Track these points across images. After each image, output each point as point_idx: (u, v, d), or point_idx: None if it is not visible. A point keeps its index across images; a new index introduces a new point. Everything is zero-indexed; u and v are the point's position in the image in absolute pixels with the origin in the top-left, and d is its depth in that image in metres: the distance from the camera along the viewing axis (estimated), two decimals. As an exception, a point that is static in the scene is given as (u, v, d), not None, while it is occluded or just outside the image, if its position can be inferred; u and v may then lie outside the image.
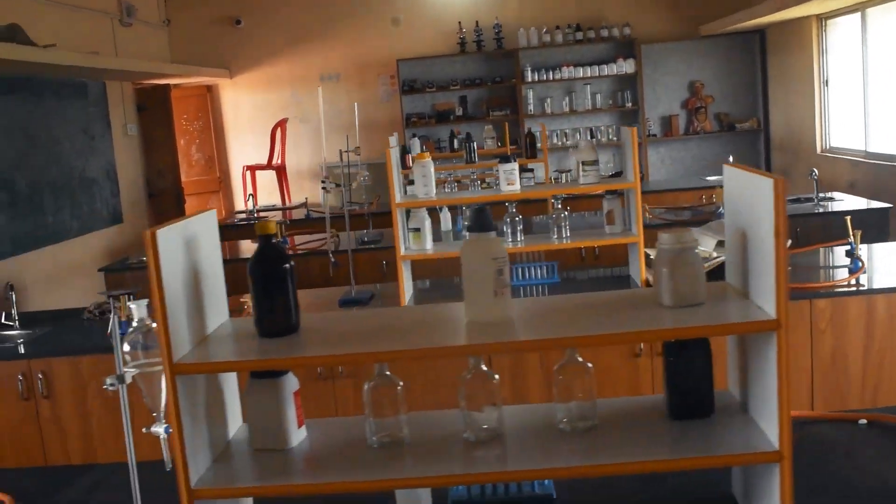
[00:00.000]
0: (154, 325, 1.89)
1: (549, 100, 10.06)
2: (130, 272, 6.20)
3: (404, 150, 6.35)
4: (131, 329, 1.91)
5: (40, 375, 3.94)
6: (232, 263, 6.07)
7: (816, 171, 6.42)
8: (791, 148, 9.28)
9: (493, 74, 10.09)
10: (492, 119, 10.05)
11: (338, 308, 4.33)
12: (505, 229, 4.27)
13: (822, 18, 8.24)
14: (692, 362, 1.88)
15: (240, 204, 10.27)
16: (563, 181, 7.47)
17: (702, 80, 10.04)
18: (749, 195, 1.83)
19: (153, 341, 1.88)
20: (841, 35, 8.03)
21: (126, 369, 1.91)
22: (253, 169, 9.98)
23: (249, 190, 9.29)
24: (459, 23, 9.92)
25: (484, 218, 1.81)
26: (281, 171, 9.96)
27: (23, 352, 4.06)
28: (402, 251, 4.14)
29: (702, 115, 10.04)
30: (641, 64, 9.87)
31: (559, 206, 4.22)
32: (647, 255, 4.16)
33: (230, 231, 8.15)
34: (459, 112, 10.14)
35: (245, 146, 10.34)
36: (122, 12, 8.43)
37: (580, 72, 9.90)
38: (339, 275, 5.48)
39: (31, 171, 6.71)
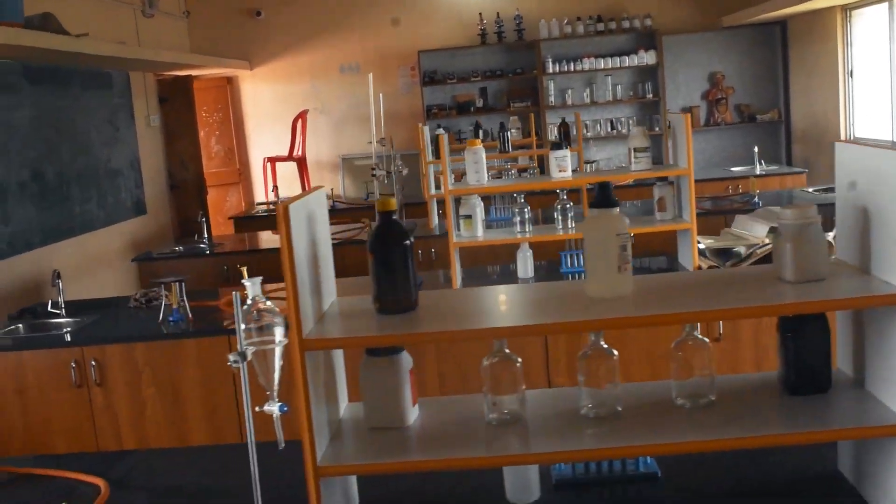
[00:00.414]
0: (267, 303, 1.89)
1: (570, 91, 10.04)
2: (164, 261, 6.19)
3: (436, 138, 6.32)
4: (245, 307, 1.90)
5: (94, 363, 3.93)
6: (257, 253, 6.07)
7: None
8: (813, 139, 9.27)
9: (513, 66, 10.07)
10: (513, 110, 10.03)
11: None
12: (556, 216, 4.26)
13: (847, 9, 8.22)
14: (811, 337, 1.88)
15: (260, 196, 10.24)
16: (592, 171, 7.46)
17: (722, 71, 10.02)
18: (870, 171, 1.82)
19: (267, 320, 1.87)
20: (866, 25, 8.01)
21: (245, 346, 1.89)
22: (274, 161, 9.96)
23: (271, 182, 9.27)
24: (480, 14, 9.89)
25: (607, 194, 1.80)
26: (302, 163, 9.94)
27: (74, 339, 4.04)
28: (454, 238, 4.12)
29: (722, 106, 10.02)
30: (663, 55, 9.85)
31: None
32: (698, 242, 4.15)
33: (252, 222, 8.14)
34: (480, 103, 10.11)
35: (264, 138, 10.31)
36: (144, 3, 8.40)
37: (601, 63, 9.87)
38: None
39: (59, 162, 6.69)
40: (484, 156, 4.19)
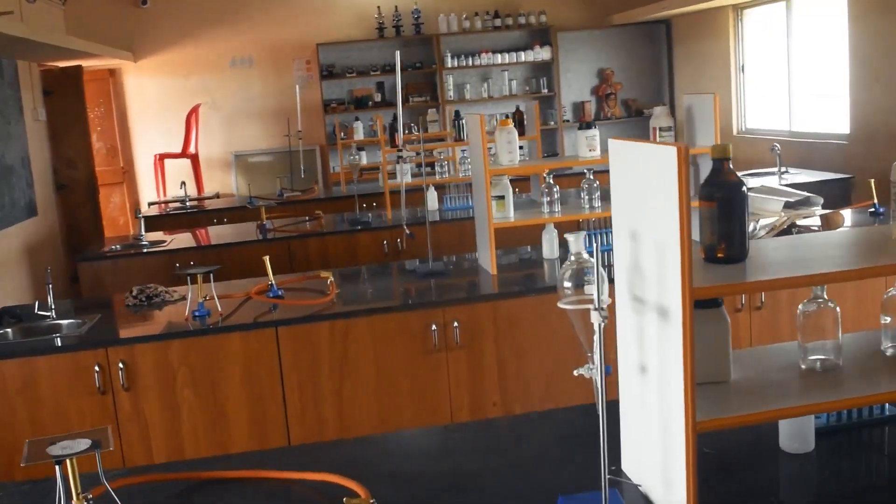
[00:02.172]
0: (592, 260, 1.78)
1: (467, 86, 10.10)
2: (108, 261, 5.70)
3: (393, 130, 6.20)
4: (568, 263, 1.78)
5: (121, 365, 3.55)
6: (209, 249, 5.71)
7: (778, 146, 6.85)
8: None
9: (412, 60, 10.02)
10: (411, 105, 9.98)
11: (416, 279, 4.17)
12: (583, 195, 4.27)
13: (739, 8, 8.77)
14: None
15: (150, 195, 9.62)
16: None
17: (611, 67, 10.42)
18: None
19: (590, 277, 1.76)
20: (757, 22, 8.59)
21: (562, 305, 1.77)
22: (163, 157, 9.40)
23: (175, 179, 8.73)
24: (378, 7, 9.77)
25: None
26: (195, 160, 9.44)
27: (98, 340, 3.63)
28: (493, 219, 4.04)
29: (612, 100, 10.42)
30: (558, 51, 10.11)
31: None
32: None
33: (165, 221, 7.64)
34: (378, 98, 9.99)
35: (151, 134, 9.70)
36: (26, -14, 7.68)
37: (498, 58, 10.01)
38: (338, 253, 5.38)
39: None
40: (517, 136, 4.15)
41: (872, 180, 4.72)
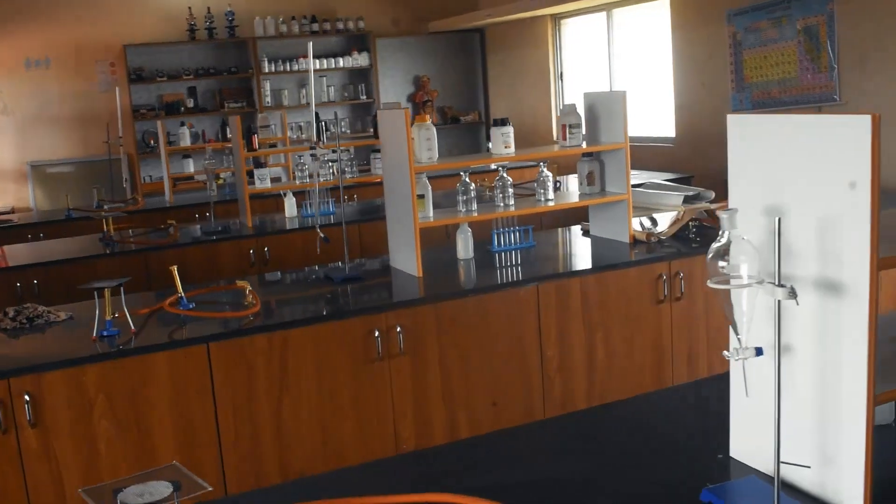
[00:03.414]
0: (744, 237, 1.71)
1: (285, 91, 9.77)
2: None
3: (250, 132, 5.85)
4: (719, 242, 1.70)
5: (27, 397, 3.05)
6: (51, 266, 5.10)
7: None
8: (524, 138, 10.09)
9: (226, 64, 9.53)
10: (227, 111, 9.50)
11: (333, 285, 3.93)
12: (497, 193, 4.22)
13: (557, 18, 9.12)
14: None
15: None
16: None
17: (427, 74, 10.48)
18: None
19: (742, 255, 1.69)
20: (574, 32, 8.98)
21: (713, 284, 1.69)
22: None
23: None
24: (190, 8, 9.22)
25: None
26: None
27: (-5, 371, 3.09)
28: (418, 220, 3.88)
29: (428, 107, 10.48)
30: (376, 57, 10.03)
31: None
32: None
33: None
34: (190, 104, 9.42)
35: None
36: None
37: (316, 63, 9.76)
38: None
39: None
40: (435, 132, 4.02)
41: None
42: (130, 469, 3.21)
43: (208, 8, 9.29)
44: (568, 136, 4.27)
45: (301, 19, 9.70)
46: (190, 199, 7.52)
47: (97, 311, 3.33)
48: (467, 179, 4.15)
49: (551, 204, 4.28)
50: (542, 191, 4.30)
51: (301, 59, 9.69)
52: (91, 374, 3.14)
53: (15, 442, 3.06)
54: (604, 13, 8.37)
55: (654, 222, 4.48)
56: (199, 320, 3.49)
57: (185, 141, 7.75)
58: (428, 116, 4.08)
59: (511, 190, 4.22)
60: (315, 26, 9.74)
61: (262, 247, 5.57)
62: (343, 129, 10.03)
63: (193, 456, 3.30)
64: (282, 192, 6.12)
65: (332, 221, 5.90)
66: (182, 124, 7.95)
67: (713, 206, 4.50)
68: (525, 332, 3.80)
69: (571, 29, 9.05)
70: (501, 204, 4.21)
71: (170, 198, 7.53)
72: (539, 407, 3.85)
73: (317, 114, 6.69)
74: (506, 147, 4.16)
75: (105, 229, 5.68)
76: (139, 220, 6.51)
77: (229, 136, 8.74)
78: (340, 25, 9.86)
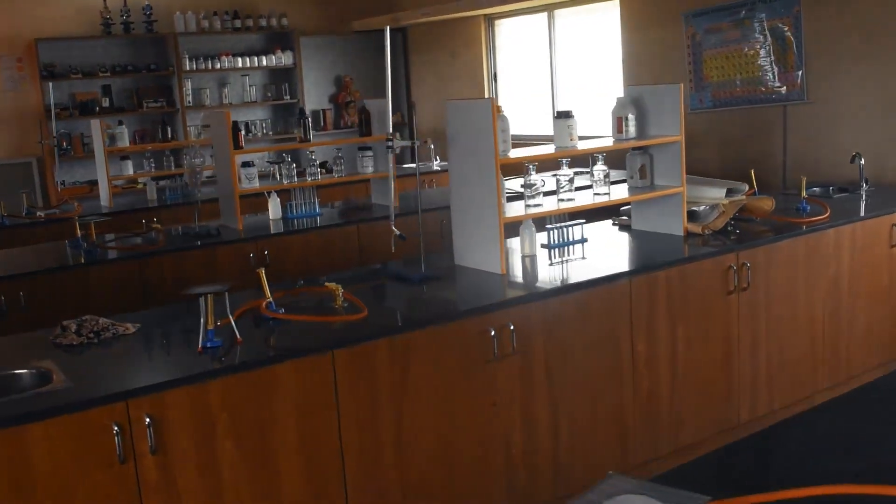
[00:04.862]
0: None
1: (206, 91, 9.25)
2: None
3: (236, 129, 5.47)
4: None
5: (148, 420, 2.70)
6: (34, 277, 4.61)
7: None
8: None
9: (144, 62, 8.92)
10: (146, 111, 8.90)
11: (413, 284, 3.72)
12: (562, 187, 4.12)
13: (491, 18, 9.09)
14: None
15: None
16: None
17: (350, 75, 10.21)
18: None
19: None
20: (509, 32, 8.99)
21: None
22: None
23: None
24: (104, 1, 8.57)
25: None
26: None
27: (110, 393, 2.71)
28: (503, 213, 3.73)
29: (351, 108, 10.20)
30: (301, 56, 9.67)
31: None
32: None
33: None
34: (106, 103, 8.75)
35: None
36: None
37: (238, 62, 9.31)
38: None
39: None
40: (509, 123, 3.88)
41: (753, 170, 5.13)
42: (255, 498, 2.91)
43: (125, 1, 8.67)
44: (625, 128, 4.23)
45: (223, 15, 9.23)
46: (127, 204, 6.99)
47: (202, 320, 2.99)
48: (534, 173, 4.03)
49: (607, 199, 4.23)
50: (599, 184, 4.24)
51: (224, 57, 9.21)
52: (214, 390, 2.82)
53: (133, 473, 2.70)
54: (545, 14, 8.42)
55: (695, 216, 4.51)
56: (289, 325, 3.20)
57: (124, 141, 7.16)
58: (502, 108, 3.93)
59: (574, 185, 4.15)
60: (237, 22, 9.29)
61: (261, 250, 5.22)
62: (265, 131, 9.63)
63: (316, 474, 3.02)
64: (266, 193, 5.76)
65: (319, 224, 5.63)
66: (120, 123, 7.34)
67: (756, 198, 4.58)
68: (618, 327, 3.72)
69: (506, 29, 9.05)
70: (565, 198, 4.12)
71: (109, 202, 6.95)
72: (630, 402, 3.78)
73: (301, 109, 6.39)
74: (570, 140, 4.08)
75: (78, 235, 5.16)
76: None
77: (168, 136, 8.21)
78: (263, 22, 9.45)
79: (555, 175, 4.23)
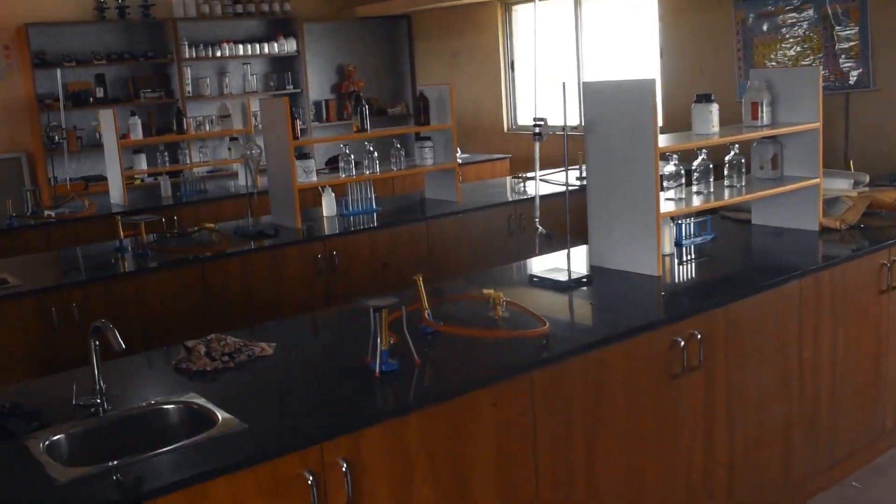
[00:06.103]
0: None
1: (207, 80, 8.67)
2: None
3: (293, 117, 4.98)
4: None
5: (345, 467, 2.25)
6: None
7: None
8: (466, 133, 9.54)
9: (140, 49, 8.30)
10: (143, 102, 8.29)
11: (562, 290, 3.31)
12: (701, 179, 3.76)
13: (508, 4, 8.68)
14: None
15: None
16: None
17: (353, 63, 9.70)
18: None
19: None
20: (526, 19, 8.60)
21: None
22: None
23: None
24: (98, -18, 7.95)
25: None
26: None
27: (309, 435, 2.25)
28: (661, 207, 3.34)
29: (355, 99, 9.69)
30: (304, 44, 9.13)
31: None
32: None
33: None
34: (100, 94, 8.11)
35: None
36: None
37: (239, 49, 8.75)
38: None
39: None
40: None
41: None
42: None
43: (119, -18, 8.05)
44: (761, 115, 3.89)
45: (224, 0, 8.65)
46: (141, 201, 6.44)
47: (378, 340, 2.54)
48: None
49: (744, 192, 3.88)
50: (734, 177, 3.89)
51: (224, 45, 8.63)
52: (411, 425, 2.38)
53: (329, 527, 2.24)
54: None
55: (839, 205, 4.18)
56: (448, 340, 2.78)
57: (137, 133, 6.58)
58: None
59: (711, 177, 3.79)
60: (238, 8, 8.72)
61: (329, 250, 4.75)
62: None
63: (514, 514, 2.60)
64: (320, 188, 5.29)
65: (378, 221, 5.16)
66: (133, 114, 6.75)
67: (879, 190, 4.29)
68: (787, 332, 3.38)
69: (523, 15, 8.66)
70: (704, 192, 3.76)
71: (123, 200, 6.37)
72: (795, 414, 3.45)
73: (358, 96, 5.92)
74: (713, 127, 3.72)
75: (121, 237, 4.62)
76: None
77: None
78: (265, 7, 8.89)
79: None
